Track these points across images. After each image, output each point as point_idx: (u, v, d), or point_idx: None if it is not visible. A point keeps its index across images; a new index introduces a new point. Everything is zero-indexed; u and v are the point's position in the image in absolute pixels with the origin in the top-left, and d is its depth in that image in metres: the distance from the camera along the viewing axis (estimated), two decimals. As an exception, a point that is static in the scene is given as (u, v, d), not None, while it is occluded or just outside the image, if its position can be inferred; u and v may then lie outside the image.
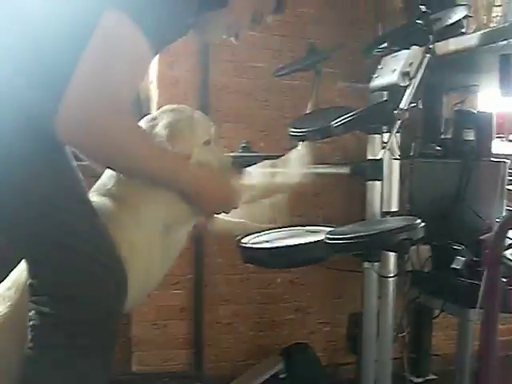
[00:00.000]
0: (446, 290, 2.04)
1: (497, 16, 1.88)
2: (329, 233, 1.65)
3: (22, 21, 1.21)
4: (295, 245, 1.76)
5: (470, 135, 2.32)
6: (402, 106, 1.71)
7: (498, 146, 2.59)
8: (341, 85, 2.51)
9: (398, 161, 1.99)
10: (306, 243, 1.75)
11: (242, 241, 1.91)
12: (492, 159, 2.33)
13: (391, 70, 1.93)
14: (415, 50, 1.87)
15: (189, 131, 1.46)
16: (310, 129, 2.01)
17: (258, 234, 1.99)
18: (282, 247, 1.77)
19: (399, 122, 1.72)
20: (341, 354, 2.60)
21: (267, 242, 1.89)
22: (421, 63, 1.74)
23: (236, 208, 1.50)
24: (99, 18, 1.17)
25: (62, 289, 1.22)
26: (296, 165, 1.75)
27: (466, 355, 2.07)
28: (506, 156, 2.50)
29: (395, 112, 1.70)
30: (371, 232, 1.56)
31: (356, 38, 2.47)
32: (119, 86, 1.19)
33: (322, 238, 1.68)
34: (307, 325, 2.60)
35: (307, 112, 2.22)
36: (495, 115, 2.42)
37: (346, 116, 1.77)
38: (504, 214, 2.34)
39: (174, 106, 1.51)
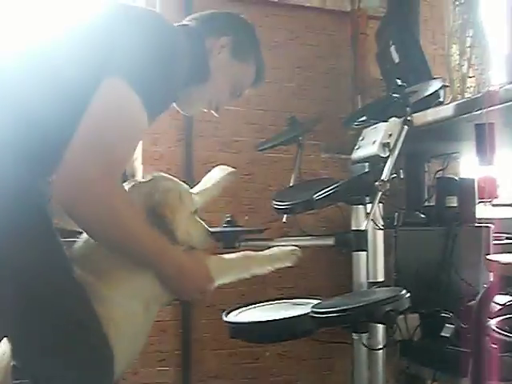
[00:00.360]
0: (436, 359, 2.02)
1: (470, 86, 1.93)
2: (314, 306, 1.64)
3: (15, 96, 1.22)
4: (282, 319, 1.73)
5: (453, 202, 2.34)
6: (383, 177, 1.73)
7: (481, 211, 2.61)
8: (324, 156, 2.55)
9: (382, 231, 2.00)
10: (293, 317, 1.73)
11: (228, 316, 1.89)
12: (476, 225, 2.34)
13: (371, 141, 1.97)
14: (394, 121, 1.92)
15: (180, 201, 1.46)
16: (293, 201, 2.03)
17: (244, 308, 1.98)
18: (269, 321, 1.75)
19: (381, 193, 1.74)
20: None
21: (253, 316, 1.88)
22: (400, 134, 1.77)
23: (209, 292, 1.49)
24: (99, 84, 1.20)
25: (49, 371, 1.20)
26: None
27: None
28: (490, 220, 2.53)
29: (376, 183, 1.72)
30: (356, 305, 1.55)
31: (337, 111, 2.52)
32: (116, 152, 1.21)
33: (309, 310, 1.68)
34: (298, 399, 2.55)
35: (291, 184, 2.24)
36: (477, 180, 2.45)
37: (327, 189, 1.79)
38: (490, 279, 2.35)
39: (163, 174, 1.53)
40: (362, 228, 1.98)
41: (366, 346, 1.86)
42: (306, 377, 2.56)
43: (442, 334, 2.01)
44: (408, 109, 1.77)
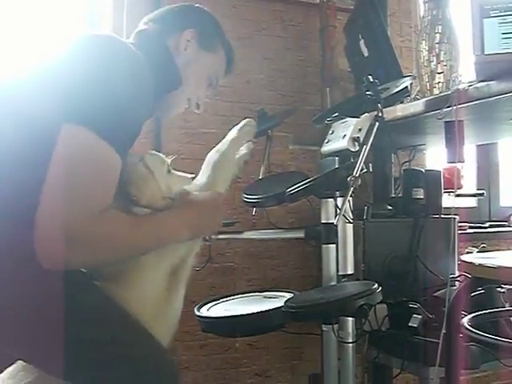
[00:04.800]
0: (404, 348, 2.05)
1: (439, 82, 1.96)
2: (287, 301, 1.66)
3: None
4: (254, 313, 1.75)
5: (420, 193, 2.38)
6: (354, 172, 1.75)
7: (446, 201, 2.66)
8: (292, 148, 2.56)
9: (351, 224, 2.02)
10: (266, 311, 1.75)
11: (200, 310, 1.90)
12: (442, 216, 2.39)
13: (341, 135, 1.99)
14: (364, 116, 1.94)
15: (148, 171, 1.42)
16: (264, 195, 2.04)
17: (216, 302, 2.00)
18: (240, 316, 1.77)
19: (352, 188, 1.76)
20: (303, 416, 2.59)
21: (225, 310, 1.89)
22: (371, 130, 1.79)
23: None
24: (57, 134, 1.16)
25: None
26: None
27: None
28: (454, 210, 2.58)
29: (349, 178, 1.74)
30: (330, 299, 1.57)
31: (305, 103, 2.54)
32: (90, 194, 1.18)
33: (281, 304, 1.70)
34: (268, 388, 2.58)
35: (260, 177, 2.25)
36: (442, 171, 2.49)
37: (299, 184, 1.80)
38: (456, 269, 2.40)
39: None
40: (332, 221, 2.01)
41: (339, 339, 1.89)
42: (276, 366, 2.59)
43: (410, 324, 2.05)
44: (379, 105, 1.79)
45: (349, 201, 1.99)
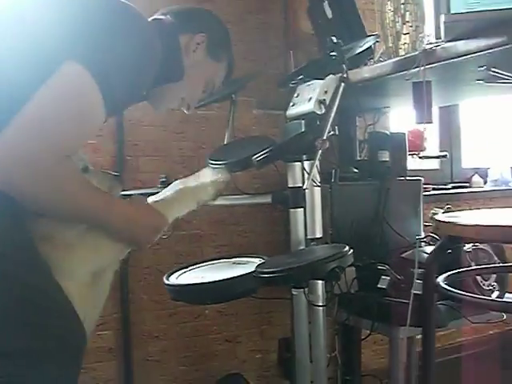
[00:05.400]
0: (373, 310, 2.08)
1: (405, 43, 1.94)
2: (258, 266, 1.65)
3: None
4: (224, 279, 1.73)
5: (385, 156, 2.39)
6: (322, 135, 1.74)
7: (411, 164, 2.68)
8: (256, 113, 2.53)
9: (319, 187, 2.01)
10: (235, 277, 1.73)
11: (169, 279, 1.88)
12: (407, 178, 2.41)
13: (307, 98, 1.96)
14: (330, 78, 1.92)
15: None
16: (230, 160, 2.01)
17: (184, 270, 1.97)
18: (211, 283, 1.74)
19: (320, 151, 1.75)
20: (274, 380, 2.60)
21: (194, 277, 1.87)
22: (336, 92, 1.77)
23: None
24: (59, 66, 1.15)
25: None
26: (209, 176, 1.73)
27: (399, 370, 2.10)
28: (419, 172, 2.60)
29: (316, 142, 1.73)
30: (302, 263, 1.56)
31: (269, 66, 2.50)
32: (66, 137, 1.17)
33: (251, 270, 1.69)
34: (238, 354, 2.58)
35: (225, 143, 2.22)
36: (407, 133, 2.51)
37: (266, 149, 1.77)
38: (421, 230, 2.43)
39: None
40: (300, 185, 2.00)
41: (310, 303, 1.89)
42: (246, 332, 2.59)
43: (379, 285, 2.07)
44: (344, 66, 1.78)
45: (316, 164, 1.99)
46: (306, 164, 1.95)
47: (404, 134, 2.44)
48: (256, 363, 2.62)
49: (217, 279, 1.73)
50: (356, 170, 2.42)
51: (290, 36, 2.51)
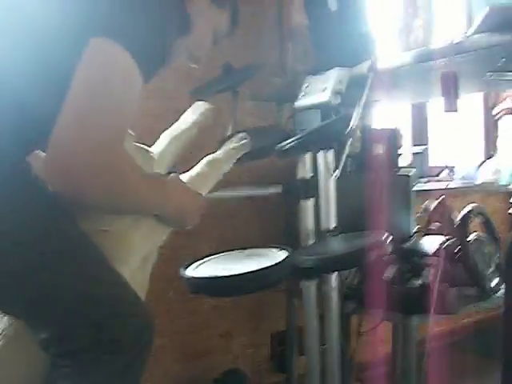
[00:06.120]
0: (380, 299, 2.10)
1: (418, 37, 1.98)
2: (298, 254, 1.63)
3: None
4: (256, 270, 1.68)
5: (380, 149, 2.42)
6: (351, 124, 1.75)
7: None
8: (251, 104, 2.51)
9: (333, 179, 2.00)
10: (266, 268, 1.69)
11: (187, 271, 1.81)
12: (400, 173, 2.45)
13: (321, 88, 1.97)
14: (342, 69, 1.93)
15: None
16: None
17: (199, 262, 1.91)
18: (242, 274, 1.69)
19: (350, 140, 1.75)
20: (268, 374, 2.58)
21: (215, 269, 1.81)
22: (366, 81, 1.79)
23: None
24: (85, 47, 1.09)
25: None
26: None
27: (411, 358, 2.10)
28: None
29: (346, 131, 1.73)
30: (349, 250, 1.56)
31: (261, 57, 2.48)
32: (119, 115, 1.11)
33: (271, 261, 1.67)
34: (233, 349, 2.55)
35: (229, 134, 2.18)
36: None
37: (297, 137, 1.75)
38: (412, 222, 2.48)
39: None
40: (311, 175, 2.00)
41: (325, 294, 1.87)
42: (239, 327, 2.56)
43: (386, 274, 2.09)
44: (373, 57, 1.79)
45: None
46: (322, 154, 1.96)
47: (396, 128, 2.48)
48: (249, 358, 2.58)
49: (247, 271, 1.69)
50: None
51: (286, 27, 2.50)
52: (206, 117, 1.83)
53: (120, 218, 1.32)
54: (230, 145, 1.70)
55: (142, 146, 1.53)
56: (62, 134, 1.05)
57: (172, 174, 1.46)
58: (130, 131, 1.44)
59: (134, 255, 1.34)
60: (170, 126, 2.37)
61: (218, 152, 1.68)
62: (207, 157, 1.64)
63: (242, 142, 1.72)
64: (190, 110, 1.88)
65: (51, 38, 1.11)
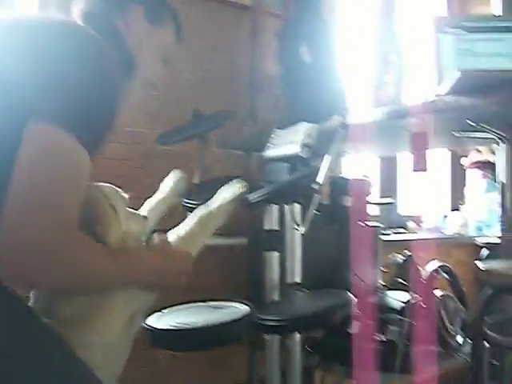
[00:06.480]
0: (343, 355, 2.06)
1: (387, 93, 1.99)
2: (261, 312, 1.59)
3: None
4: (216, 324, 1.64)
5: (347, 200, 2.41)
6: (319, 179, 1.73)
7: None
8: (219, 152, 2.49)
9: (299, 232, 1.98)
10: (232, 321, 1.64)
11: (148, 322, 1.76)
12: (367, 223, 2.44)
13: (289, 141, 1.96)
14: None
15: (111, 209, 1.29)
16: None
17: (161, 314, 1.86)
18: (205, 327, 1.64)
19: (317, 195, 1.74)
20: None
21: (179, 322, 1.76)
22: (335, 137, 1.78)
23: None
24: (21, 134, 1.02)
25: None
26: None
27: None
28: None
29: (315, 186, 1.72)
30: (313, 311, 1.53)
31: (232, 106, 2.48)
32: (65, 203, 1.04)
33: (233, 314, 1.63)
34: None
35: (195, 182, 2.15)
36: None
37: (265, 191, 1.73)
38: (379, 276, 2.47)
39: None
40: (276, 228, 1.98)
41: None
42: (200, 376, 2.49)
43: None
44: (345, 111, 1.80)
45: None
46: (288, 207, 1.94)
47: (367, 180, 2.48)
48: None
49: (211, 323, 1.64)
50: (318, 213, 2.42)
51: (258, 78, 2.50)
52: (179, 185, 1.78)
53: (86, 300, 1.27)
54: (225, 194, 1.58)
55: (134, 211, 1.45)
56: (9, 228, 0.98)
57: (158, 238, 1.40)
58: (124, 194, 1.38)
59: (119, 318, 1.29)
60: (138, 170, 2.37)
61: (211, 205, 1.56)
62: (199, 211, 1.53)
63: (240, 191, 1.60)
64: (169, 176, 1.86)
65: None
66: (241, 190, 1.59)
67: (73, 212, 1.06)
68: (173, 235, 1.45)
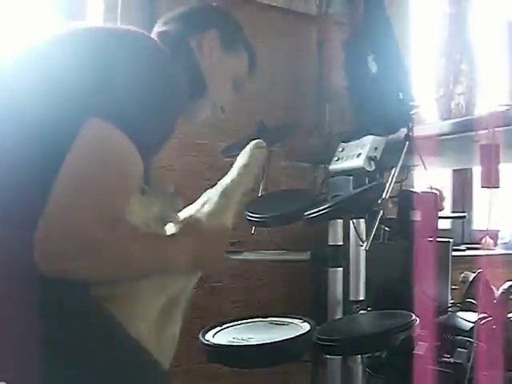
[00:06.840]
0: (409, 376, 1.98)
1: (459, 103, 1.90)
2: (322, 331, 1.54)
3: None
4: (281, 341, 1.59)
5: (415, 215, 2.33)
6: (384, 194, 1.67)
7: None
8: (284, 164, 2.45)
9: (363, 247, 1.92)
10: (288, 340, 1.60)
11: (205, 337, 1.73)
12: (438, 239, 2.34)
13: (355, 154, 1.90)
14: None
15: None
16: (274, 214, 1.91)
17: (219, 329, 1.84)
18: (261, 345, 1.60)
19: (381, 212, 1.68)
20: None
21: (235, 338, 1.72)
22: (401, 150, 1.72)
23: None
24: (77, 130, 1.03)
25: None
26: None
27: None
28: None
29: (379, 201, 1.66)
30: (374, 332, 1.47)
31: (299, 117, 2.44)
32: (111, 198, 1.04)
33: (297, 333, 1.59)
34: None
35: (259, 195, 2.11)
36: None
37: (326, 205, 1.68)
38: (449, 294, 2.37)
39: None
40: (340, 243, 1.93)
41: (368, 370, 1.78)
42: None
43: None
44: (410, 124, 1.73)
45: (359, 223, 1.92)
46: (353, 222, 1.88)
47: (435, 193, 2.39)
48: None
49: (272, 340, 1.60)
50: (387, 229, 2.34)
51: (325, 88, 2.46)
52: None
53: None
54: (242, 159, 1.45)
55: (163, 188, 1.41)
56: (46, 219, 0.98)
57: (189, 218, 1.33)
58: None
59: (150, 306, 1.25)
60: (205, 183, 2.35)
61: (230, 174, 1.44)
62: (220, 185, 1.42)
63: (259, 149, 1.47)
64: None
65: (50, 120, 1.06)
66: (255, 146, 1.47)
67: (119, 207, 1.05)
68: (198, 214, 1.37)
